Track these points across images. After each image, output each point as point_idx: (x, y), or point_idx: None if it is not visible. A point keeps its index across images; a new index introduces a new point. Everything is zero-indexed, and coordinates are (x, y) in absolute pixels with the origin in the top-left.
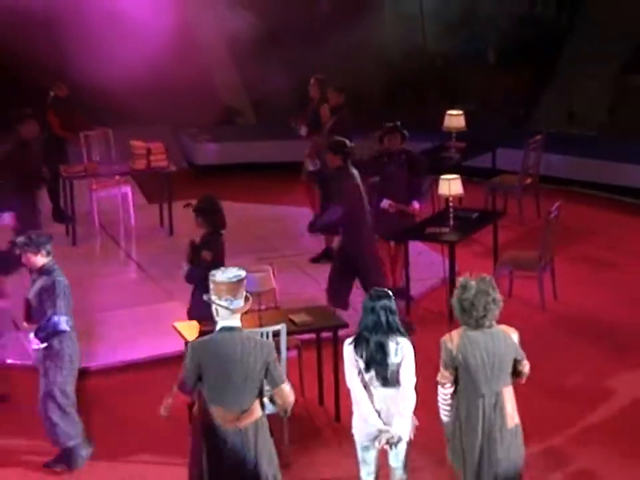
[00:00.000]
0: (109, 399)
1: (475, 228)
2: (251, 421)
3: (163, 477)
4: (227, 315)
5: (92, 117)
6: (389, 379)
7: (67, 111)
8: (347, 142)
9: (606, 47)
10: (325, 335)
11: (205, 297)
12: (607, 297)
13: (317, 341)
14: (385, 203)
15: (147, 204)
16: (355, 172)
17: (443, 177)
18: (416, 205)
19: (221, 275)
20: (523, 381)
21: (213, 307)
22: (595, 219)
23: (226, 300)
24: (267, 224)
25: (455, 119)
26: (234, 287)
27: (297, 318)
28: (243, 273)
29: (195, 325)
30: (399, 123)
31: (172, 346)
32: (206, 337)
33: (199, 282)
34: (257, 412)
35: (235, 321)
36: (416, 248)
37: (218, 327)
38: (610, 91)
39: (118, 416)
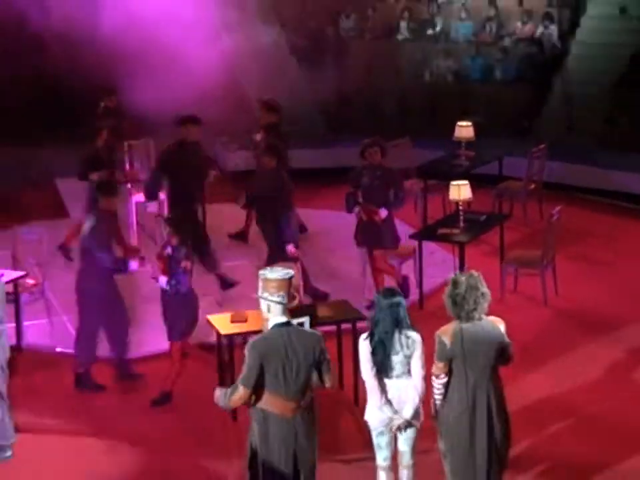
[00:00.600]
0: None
1: (483, 229)
2: (305, 409)
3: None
4: (279, 310)
5: (134, 127)
6: (401, 370)
7: (115, 121)
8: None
9: (601, 65)
10: (344, 326)
11: (256, 296)
12: (603, 292)
13: (337, 332)
14: (355, 209)
15: None
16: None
17: (453, 182)
18: (383, 213)
19: (273, 273)
20: (509, 365)
21: (264, 303)
22: (592, 222)
23: (279, 296)
24: None
25: (464, 129)
26: (285, 284)
27: (320, 311)
28: (291, 272)
29: (226, 318)
30: (378, 138)
31: (204, 336)
32: (264, 334)
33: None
34: (308, 403)
35: (286, 317)
36: (429, 248)
37: (271, 324)
38: (605, 105)
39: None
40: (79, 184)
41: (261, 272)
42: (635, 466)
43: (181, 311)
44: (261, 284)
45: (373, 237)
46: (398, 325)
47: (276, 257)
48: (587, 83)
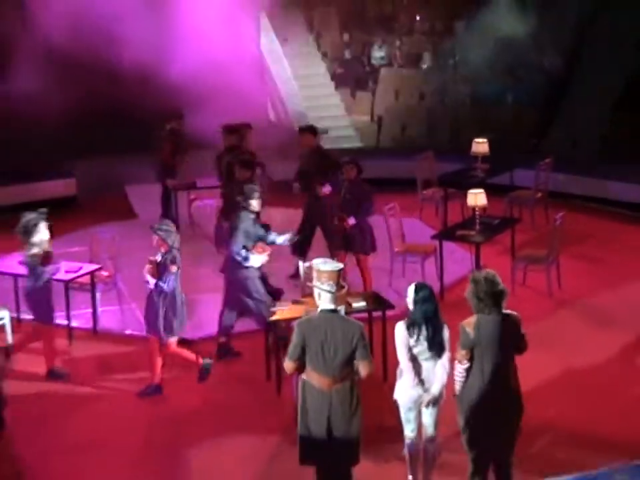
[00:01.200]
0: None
1: (496, 231)
2: (339, 386)
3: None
4: (328, 298)
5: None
6: (436, 352)
7: (179, 140)
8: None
9: (600, 89)
10: (375, 314)
11: (309, 284)
12: (600, 285)
13: (369, 320)
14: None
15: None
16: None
17: (470, 191)
18: (351, 221)
19: (325, 265)
20: (522, 354)
21: (316, 291)
22: (591, 226)
23: (329, 285)
24: None
25: (480, 145)
26: (335, 275)
27: (354, 301)
28: (341, 265)
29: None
30: (355, 157)
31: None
32: (309, 316)
33: (161, 291)
34: (347, 379)
35: (333, 305)
36: (448, 247)
37: (319, 309)
38: (604, 124)
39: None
40: (144, 190)
41: (315, 263)
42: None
43: (159, 310)
44: (315, 274)
45: (345, 242)
46: (428, 315)
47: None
48: (589, 104)
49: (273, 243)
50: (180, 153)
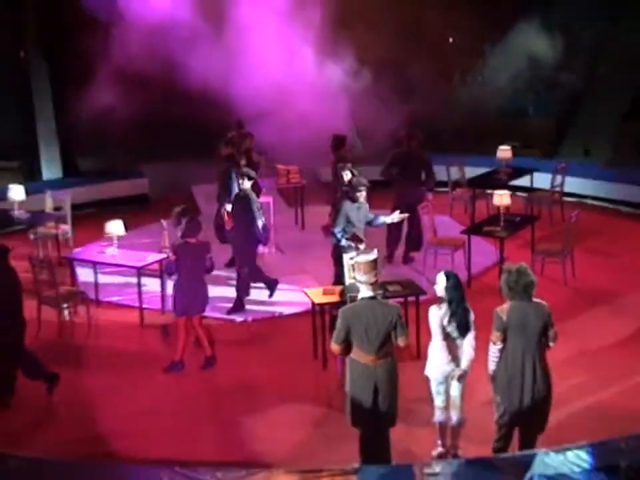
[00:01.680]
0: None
1: (518, 228)
2: (382, 362)
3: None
4: (366, 287)
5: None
6: (463, 332)
7: (237, 146)
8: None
9: (610, 102)
10: (410, 299)
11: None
12: (608, 275)
13: (404, 303)
14: None
15: (287, 207)
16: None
17: (496, 192)
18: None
19: (362, 257)
20: (552, 345)
21: (357, 281)
22: (602, 222)
23: (366, 276)
24: None
25: (504, 152)
26: (372, 265)
27: (390, 287)
28: (375, 255)
29: (319, 291)
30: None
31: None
32: (352, 304)
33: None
34: (388, 356)
35: (372, 292)
36: (476, 241)
37: (360, 297)
38: (614, 134)
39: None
40: (207, 189)
41: (354, 256)
42: None
43: (174, 293)
44: (354, 266)
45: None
46: (456, 299)
47: None
48: (600, 115)
49: (384, 223)
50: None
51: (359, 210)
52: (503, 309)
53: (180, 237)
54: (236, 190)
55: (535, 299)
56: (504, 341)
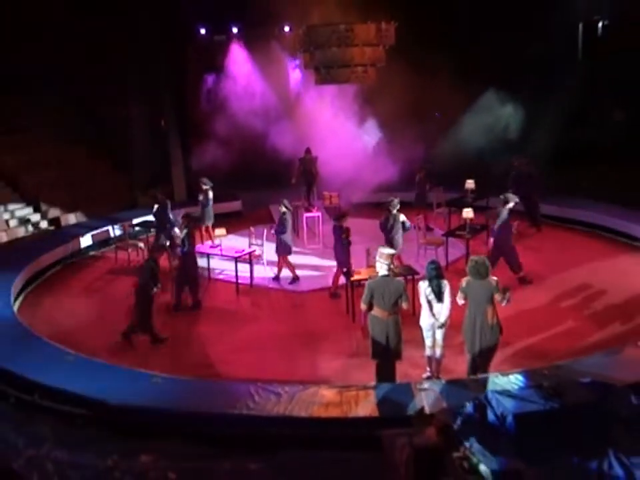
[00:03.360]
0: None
1: (479, 232)
2: (392, 317)
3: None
4: (385, 269)
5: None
6: (440, 299)
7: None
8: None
9: (541, 151)
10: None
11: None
12: (539, 263)
13: (405, 280)
14: None
15: (329, 219)
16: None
17: (464, 209)
18: None
19: (384, 250)
20: (503, 304)
21: (378, 264)
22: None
23: (385, 262)
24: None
25: (470, 183)
26: (390, 256)
27: (396, 269)
28: (393, 251)
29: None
30: None
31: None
32: (376, 278)
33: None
34: (396, 313)
35: (387, 272)
36: (452, 241)
37: (379, 274)
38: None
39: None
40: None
41: (380, 247)
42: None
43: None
44: (378, 255)
45: None
46: (436, 277)
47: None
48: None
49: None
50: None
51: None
52: (464, 282)
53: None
54: None
55: (488, 278)
56: (465, 299)
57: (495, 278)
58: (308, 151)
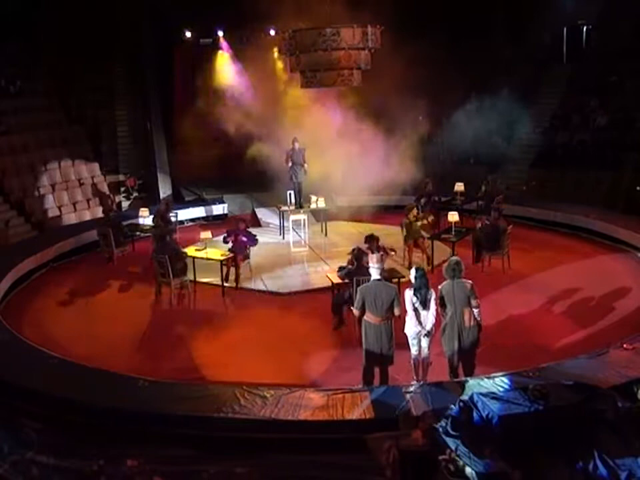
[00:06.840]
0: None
1: (464, 235)
2: (384, 322)
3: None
4: (377, 272)
5: None
6: (426, 306)
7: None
8: None
9: (522, 157)
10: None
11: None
12: (527, 266)
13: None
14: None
15: (315, 222)
16: None
17: (449, 212)
18: None
19: (376, 255)
20: (475, 311)
21: (371, 269)
22: (525, 233)
23: (377, 266)
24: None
25: (458, 187)
26: (380, 259)
27: (384, 273)
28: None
29: (333, 276)
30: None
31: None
32: (367, 284)
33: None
34: (388, 319)
35: (379, 276)
36: (436, 243)
37: (372, 279)
38: (526, 176)
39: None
40: (265, 211)
41: (371, 254)
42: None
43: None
44: (369, 261)
45: None
46: (423, 286)
47: None
48: (517, 164)
49: None
50: None
51: None
52: (443, 285)
53: None
54: None
55: (462, 280)
56: (443, 305)
57: (470, 281)
58: (295, 140)
